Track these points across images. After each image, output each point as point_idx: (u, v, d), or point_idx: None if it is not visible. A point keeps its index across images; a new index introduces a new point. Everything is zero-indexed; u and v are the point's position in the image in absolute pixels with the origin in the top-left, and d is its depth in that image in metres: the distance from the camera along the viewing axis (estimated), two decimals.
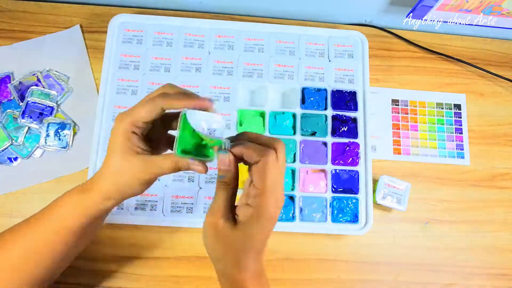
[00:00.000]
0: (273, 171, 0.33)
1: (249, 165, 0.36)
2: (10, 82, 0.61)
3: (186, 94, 0.36)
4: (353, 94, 0.62)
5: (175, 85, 0.37)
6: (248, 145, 0.35)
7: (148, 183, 0.37)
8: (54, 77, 0.62)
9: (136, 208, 0.56)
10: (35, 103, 0.60)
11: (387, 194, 0.59)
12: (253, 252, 0.35)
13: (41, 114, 0.60)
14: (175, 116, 0.38)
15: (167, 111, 0.36)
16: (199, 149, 0.35)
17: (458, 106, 0.68)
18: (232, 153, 0.35)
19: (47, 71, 0.62)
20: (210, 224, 0.35)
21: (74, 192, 0.39)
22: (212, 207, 0.36)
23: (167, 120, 0.39)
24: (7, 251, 0.40)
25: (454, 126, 0.67)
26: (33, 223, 0.41)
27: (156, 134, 0.39)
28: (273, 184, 0.34)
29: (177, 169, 0.36)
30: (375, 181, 0.60)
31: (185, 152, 0.34)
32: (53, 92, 0.61)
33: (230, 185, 0.36)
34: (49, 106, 0.60)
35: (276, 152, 0.34)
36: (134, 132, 0.36)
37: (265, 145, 0.35)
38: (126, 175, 0.36)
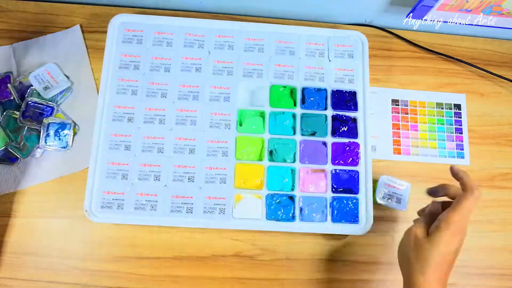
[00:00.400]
0: (464, 212, 0.43)
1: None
2: (10, 82, 0.61)
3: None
4: (353, 94, 0.62)
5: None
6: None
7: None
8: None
9: (136, 208, 0.56)
10: (35, 103, 0.60)
11: (387, 194, 0.59)
12: (436, 260, 0.42)
13: (41, 114, 0.60)
14: None
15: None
16: None
17: (458, 106, 0.68)
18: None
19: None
20: (408, 232, 0.46)
21: None
22: (417, 220, 0.49)
23: None
24: None
25: (454, 126, 0.67)
26: None
27: None
28: (464, 214, 0.43)
29: None
30: (375, 181, 0.60)
31: None
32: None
33: (439, 205, 0.47)
34: (49, 106, 0.60)
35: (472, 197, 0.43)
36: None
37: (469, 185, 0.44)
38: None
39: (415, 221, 0.49)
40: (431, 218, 0.45)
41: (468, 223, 0.43)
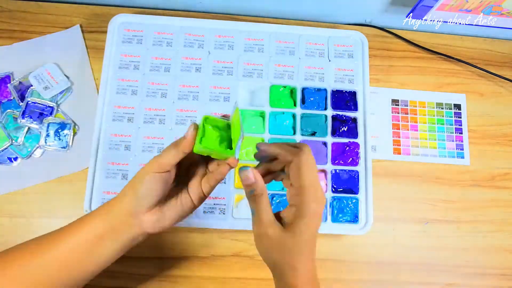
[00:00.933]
0: (308, 168, 0.35)
1: (282, 170, 0.39)
2: (10, 82, 0.61)
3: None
4: (353, 94, 0.62)
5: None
6: (281, 145, 0.38)
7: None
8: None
9: None
10: (35, 103, 0.60)
11: None
12: (305, 252, 0.36)
13: (41, 114, 0.60)
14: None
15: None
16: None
17: (458, 106, 0.68)
18: (259, 165, 0.39)
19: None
20: (259, 237, 0.36)
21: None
22: (255, 220, 0.37)
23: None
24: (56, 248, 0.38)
25: (454, 126, 0.67)
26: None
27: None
28: (310, 179, 0.35)
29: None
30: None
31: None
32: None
33: (262, 194, 0.36)
34: (49, 106, 0.60)
35: (306, 152, 0.36)
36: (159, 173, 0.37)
37: (293, 147, 0.37)
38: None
39: (258, 222, 0.37)
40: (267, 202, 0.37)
41: (318, 181, 0.36)
